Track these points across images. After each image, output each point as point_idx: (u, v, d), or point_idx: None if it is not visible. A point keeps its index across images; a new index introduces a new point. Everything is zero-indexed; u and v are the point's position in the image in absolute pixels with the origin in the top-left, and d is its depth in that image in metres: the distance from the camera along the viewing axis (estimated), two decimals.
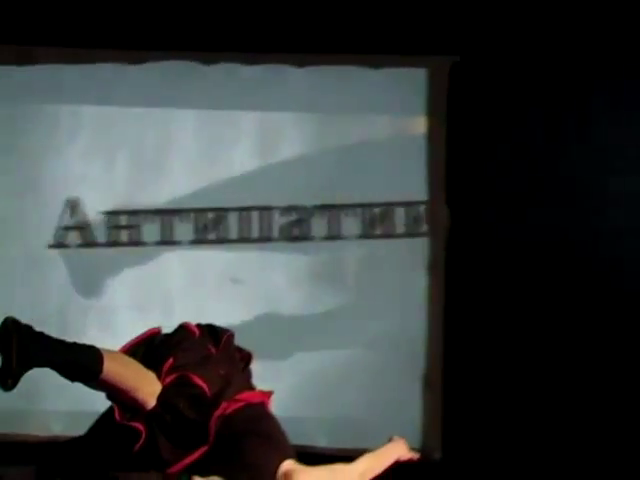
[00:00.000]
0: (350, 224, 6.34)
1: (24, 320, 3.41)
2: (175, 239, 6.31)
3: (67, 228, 6.28)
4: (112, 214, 6.30)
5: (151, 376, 3.68)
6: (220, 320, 4.12)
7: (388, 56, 6.30)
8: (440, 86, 6.33)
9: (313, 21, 6.20)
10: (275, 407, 5.81)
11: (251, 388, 3.99)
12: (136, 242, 6.30)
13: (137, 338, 3.85)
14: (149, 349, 3.81)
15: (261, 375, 6.05)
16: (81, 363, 3.52)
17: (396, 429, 6.08)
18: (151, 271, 6.29)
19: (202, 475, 3.52)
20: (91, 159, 6.31)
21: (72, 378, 3.58)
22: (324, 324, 6.25)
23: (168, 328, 3.94)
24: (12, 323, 3.37)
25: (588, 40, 6.13)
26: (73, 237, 6.29)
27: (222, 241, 6.31)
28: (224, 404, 3.67)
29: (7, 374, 3.32)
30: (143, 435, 3.59)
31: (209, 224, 6.31)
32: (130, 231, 6.30)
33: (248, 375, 4.02)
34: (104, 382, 3.58)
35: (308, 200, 6.32)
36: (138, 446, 3.59)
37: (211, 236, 6.32)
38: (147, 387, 3.64)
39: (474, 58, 6.27)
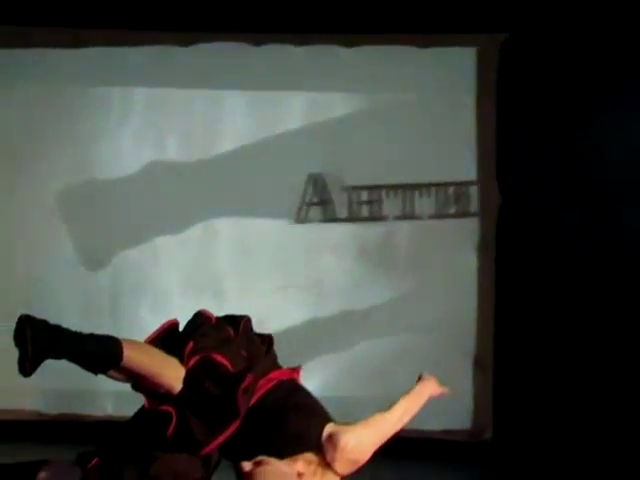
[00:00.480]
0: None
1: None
2: (416, 214, 6.35)
3: (309, 204, 6.35)
4: (354, 189, 6.35)
5: (174, 361, 3.72)
6: None
7: (437, 35, 6.27)
8: (489, 64, 6.28)
9: (361, 1, 6.18)
10: (328, 388, 5.88)
11: (278, 368, 4.03)
12: (377, 217, 6.35)
13: (156, 331, 3.90)
14: (169, 339, 3.85)
15: (315, 357, 6.15)
16: (99, 352, 3.58)
17: (447, 409, 6.16)
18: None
19: (248, 459, 3.54)
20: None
21: (93, 369, 3.63)
22: (375, 305, 6.26)
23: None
24: (26, 318, 3.49)
25: None
26: (316, 213, 6.35)
27: (463, 215, 6.33)
28: (249, 377, 3.71)
29: (24, 364, 3.45)
30: (174, 417, 3.63)
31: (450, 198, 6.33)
32: (371, 206, 6.35)
33: (273, 357, 4.07)
34: (127, 370, 3.63)
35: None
36: (171, 430, 3.63)
37: (452, 210, 6.35)
38: (171, 372, 3.68)
39: (523, 35, 6.22)
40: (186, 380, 3.70)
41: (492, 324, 6.22)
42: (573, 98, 6.18)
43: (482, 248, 6.26)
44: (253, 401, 3.79)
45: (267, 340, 4.07)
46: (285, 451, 3.63)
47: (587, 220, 6.13)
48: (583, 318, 6.12)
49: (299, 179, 6.33)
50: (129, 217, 6.35)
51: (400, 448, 6.03)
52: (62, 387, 5.93)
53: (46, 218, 6.35)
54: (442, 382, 6.05)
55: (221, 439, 3.68)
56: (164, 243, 6.34)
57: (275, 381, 3.89)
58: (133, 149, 6.36)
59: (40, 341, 3.44)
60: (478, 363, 6.23)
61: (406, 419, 3.91)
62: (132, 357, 3.62)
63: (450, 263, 6.25)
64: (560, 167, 6.20)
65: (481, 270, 6.25)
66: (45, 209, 6.35)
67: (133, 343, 3.69)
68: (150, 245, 6.34)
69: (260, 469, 3.45)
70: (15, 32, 6.29)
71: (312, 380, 5.91)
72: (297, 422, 3.71)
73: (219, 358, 3.75)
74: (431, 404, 6.04)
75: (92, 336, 3.61)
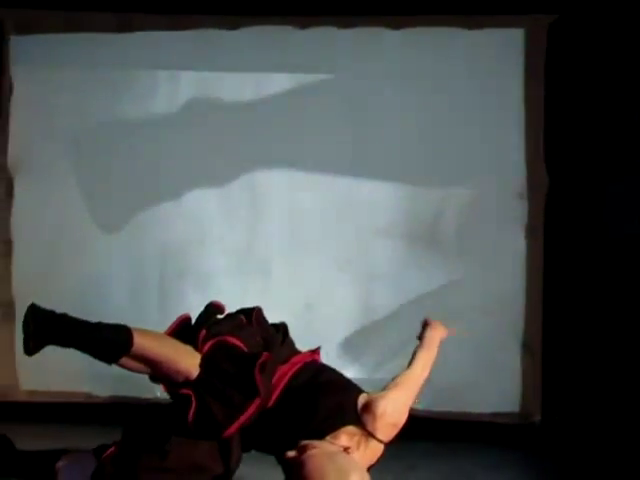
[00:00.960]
0: None
1: None
2: None
3: None
4: None
5: (189, 349, 3.76)
6: None
7: (484, 16, 6.23)
8: (538, 46, 6.23)
9: None
10: (376, 370, 5.88)
11: (298, 353, 4.06)
12: None
13: (169, 327, 3.92)
14: (183, 333, 3.87)
15: (361, 339, 6.16)
16: (108, 339, 3.61)
17: (496, 392, 6.16)
18: None
19: (290, 448, 3.55)
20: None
21: (104, 357, 3.67)
22: (421, 288, 6.25)
23: None
24: (30, 308, 3.64)
25: None
26: None
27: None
28: (265, 354, 3.73)
29: (27, 348, 3.63)
30: (193, 399, 3.65)
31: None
32: None
33: (290, 343, 4.12)
34: (141, 357, 3.66)
35: None
36: (191, 414, 3.64)
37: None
38: (187, 359, 3.72)
39: (572, 17, 6.16)
40: (202, 364, 3.72)
41: (541, 307, 6.18)
42: (622, 81, 6.12)
43: (530, 230, 6.22)
44: (282, 387, 3.82)
45: (282, 329, 4.10)
46: (325, 429, 3.66)
47: (635, 202, 6.08)
48: (632, 300, 6.07)
49: None
50: (177, 200, 6.37)
51: (449, 431, 6.09)
52: (113, 370, 5.96)
53: (93, 202, 6.40)
54: (491, 365, 6.12)
55: (242, 419, 3.71)
56: (212, 224, 6.37)
57: (300, 364, 3.93)
58: (180, 132, 6.38)
59: (40, 327, 3.56)
60: (527, 346, 6.20)
61: (427, 370, 4.01)
62: (144, 344, 3.65)
63: (498, 246, 6.23)
64: (609, 150, 6.15)
65: (529, 253, 6.22)
66: (94, 193, 6.40)
67: (145, 331, 3.73)
68: (198, 226, 6.37)
69: (307, 454, 3.45)
70: (65, 17, 6.35)
71: (361, 361, 5.99)
72: (331, 399, 3.76)
73: (233, 340, 3.79)
74: (479, 387, 6.10)
75: (100, 324, 3.65)
